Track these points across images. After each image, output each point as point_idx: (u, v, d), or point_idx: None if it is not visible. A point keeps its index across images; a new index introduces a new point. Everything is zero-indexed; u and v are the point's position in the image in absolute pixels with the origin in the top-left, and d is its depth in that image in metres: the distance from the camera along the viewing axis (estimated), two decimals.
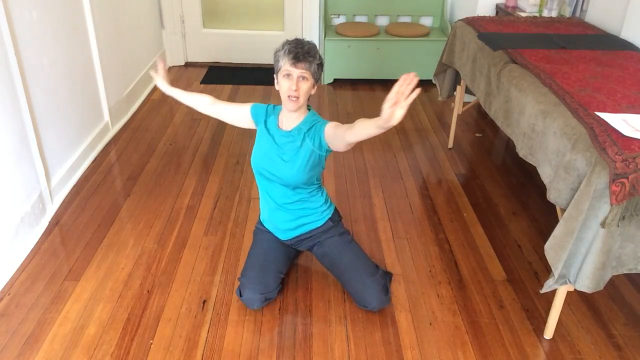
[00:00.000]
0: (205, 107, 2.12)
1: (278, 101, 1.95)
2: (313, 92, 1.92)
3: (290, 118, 1.95)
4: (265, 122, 2.02)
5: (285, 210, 2.06)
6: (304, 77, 1.84)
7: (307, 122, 1.95)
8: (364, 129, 1.67)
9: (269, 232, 2.16)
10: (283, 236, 2.13)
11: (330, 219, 2.11)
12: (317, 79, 1.89)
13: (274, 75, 1.92)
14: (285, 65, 1.83)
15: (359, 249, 2.11)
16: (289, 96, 1.85)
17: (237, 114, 2.09)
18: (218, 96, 3.94)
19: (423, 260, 2.32)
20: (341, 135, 1.80)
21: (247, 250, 2.34)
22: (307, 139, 1.93)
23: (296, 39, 1.88)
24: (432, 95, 4.12)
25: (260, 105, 2.06)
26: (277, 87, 1.91)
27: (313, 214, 2.08)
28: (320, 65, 1.88)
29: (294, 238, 2.12)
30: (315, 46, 1.88)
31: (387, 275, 2.13)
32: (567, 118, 1.83)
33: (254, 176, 2.89)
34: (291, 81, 1.83)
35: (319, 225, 2.09)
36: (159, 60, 2.20)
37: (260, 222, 2.20)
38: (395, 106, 1.46)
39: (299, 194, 2.04)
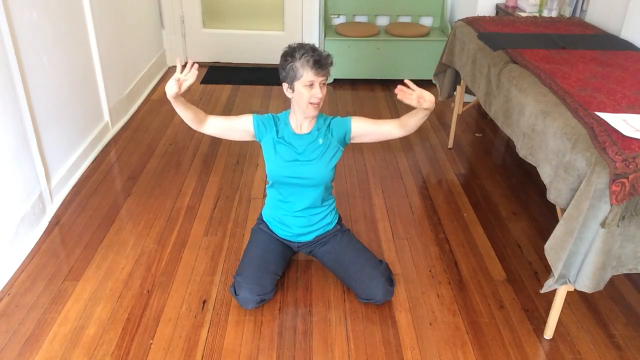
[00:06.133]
0: (200, 123, 1.97)
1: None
2: None
3: (306, 121, 1.98)
4: (277, 132, 2.00)
5: (306, 214, 2.08)
6: (324, 83, 1.88)
7: (320, 120, 2.01)
8: (412, 118, 1.92)
9: (271, 232, 2.16)
10: (296, 239, 2.13)
11: (338, 221, 2.17)
12: None
13: (287, 84, 1.89)
14: (307, 75, 1.83)
15: (361, 244, 2.16)
16: (311, 103, 1.88)
17: (235, 126, 2.02)
18: (218, 96, 3.97)
19: (423, 260, 2.32)
20: (386, 131, 1.98)
21: None
22: (332, 136, 2.00)
23: (310, 47, 1.86)
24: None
25: (265, 117, 2.03)
26: (289, 95, 1.93)
27: (327, 217, 2.12)
28: None
29: (306, 242, 2.13)
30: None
31: (389, 269, 2.15)
32: (567, 118, 1.83)
33: (254, 176, 2.92)
34: (315, 89, 1.85)
35: (331, 228, 2.13)
36: (191, 65, 1.83)
37: (264, 224, 2.18)
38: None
39: (324, 197, 2.08)
